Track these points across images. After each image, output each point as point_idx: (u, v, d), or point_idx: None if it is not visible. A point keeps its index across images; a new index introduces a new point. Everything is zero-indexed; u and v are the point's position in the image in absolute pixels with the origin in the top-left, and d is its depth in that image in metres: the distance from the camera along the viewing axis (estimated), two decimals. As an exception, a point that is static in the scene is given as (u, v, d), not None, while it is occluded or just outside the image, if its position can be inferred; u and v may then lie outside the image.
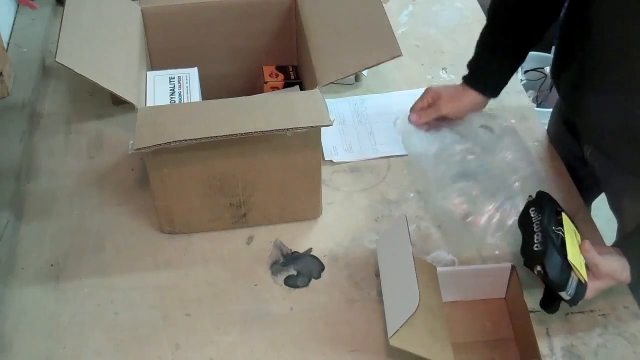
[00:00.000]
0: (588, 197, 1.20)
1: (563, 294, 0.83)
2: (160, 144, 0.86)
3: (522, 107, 1.24)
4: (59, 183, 1.10)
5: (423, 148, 1.09)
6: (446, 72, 1.33)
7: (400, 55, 0.97)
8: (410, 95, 1.27)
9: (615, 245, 0.91)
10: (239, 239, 1.02)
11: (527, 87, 2.09)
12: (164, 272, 0.98)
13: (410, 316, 0.80)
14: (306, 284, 0.96)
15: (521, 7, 1.04)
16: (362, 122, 1.22)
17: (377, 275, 0.96)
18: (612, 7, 0.89)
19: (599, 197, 1.21)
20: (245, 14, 1.17)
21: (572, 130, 1.12)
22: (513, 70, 1.11)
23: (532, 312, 0.89)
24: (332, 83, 0.97)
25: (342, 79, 0.99)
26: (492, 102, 1.25)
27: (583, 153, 1.11)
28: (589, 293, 0.84)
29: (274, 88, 1.20)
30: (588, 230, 1.00)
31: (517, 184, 1.02)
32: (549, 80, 2.12)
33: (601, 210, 1.24)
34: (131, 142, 0.87)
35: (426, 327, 0.85)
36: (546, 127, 1.22)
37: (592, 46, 0.95)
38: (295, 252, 1.00)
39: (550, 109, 1.27)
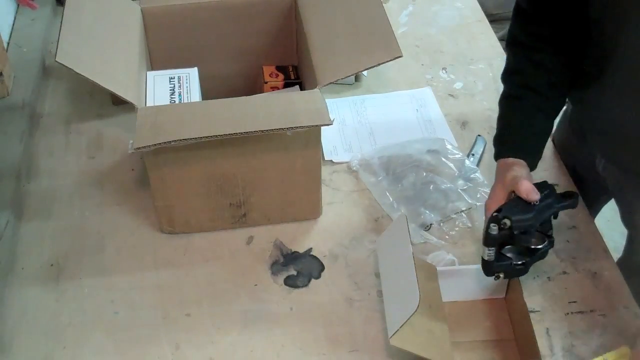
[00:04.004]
0: (595, 207, 1.18)
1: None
2: (160, 144, 0.86)
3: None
4: (59, 183, 1.10)
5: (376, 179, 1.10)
6: (446, 72, 1.33)
7: (400, 55, 0.97)
8: (410, 95, 1.27)
9: (624, 257, 0.89)
10: (239, 239, 1.02)
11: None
12: (164, 272, 0.98)
13: (410, 316, 0.80)
14: (306, 284, 0.96)
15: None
16: (362, 122, 1.22)
17: (377, 275, 0.96)
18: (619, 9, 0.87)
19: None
20: (245, 14, 1.17)
21: (582, 140, 1.08)
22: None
23: (532, 312, 0.89)
24: (332, 83, 0.97)
25: (342, 79, 0.99)
26: (491, 103, 1.25)
27: (594, 163, 1.08)
28: None
29: (274, 88, 1.20)
30: (593, 244, 0.99)
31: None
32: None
33: (602, 211, 1.24)
34: (131, 141, 0.87)
35: (426, 327, 0.85)
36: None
37: (599, 50, 0.93)
38: (295, 252, 1.00)
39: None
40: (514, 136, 0.97)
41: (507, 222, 0.85)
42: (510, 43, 1.00)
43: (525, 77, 0.97)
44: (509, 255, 0.89)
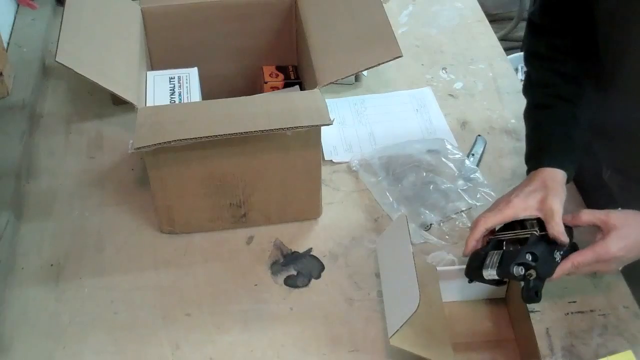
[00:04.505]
0: None
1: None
2: (160, 144, 0.86)
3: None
4: (59, 183, 1.10)
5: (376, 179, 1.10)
6: (446, 72, 1.33)
7: (400, 55, 0.97)
8: (410, 95, 1.27)
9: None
10: (239, 239, 1.02)
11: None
12: (164, 272, 0.98)
13: (410, 316, 0.80)
14: (306, 284, 0.96)
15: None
16: (362, 122, 1.22)
17: (377, 275, 0.96)
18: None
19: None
20: (245, 14, 1.17)
21: (588, 149, 1.05)
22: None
23: (532, 312, 0.89)
24: (332, 83, 0.97)
25: (342, 79, 0.99)
26: (491, 103, 1.26)
27: (600, 172, 1.07)
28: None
29: (274, 88, 1.20)
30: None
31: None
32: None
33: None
34: (131, 141, 0.87)
35: (426, 327, 0.85)
36: None
37: (605, 57, 0.92)
38: (295, 252, 1.00)
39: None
40: (557, 145, 0.92)
41: (533, 274, 0.80)
42: (531, 57, 0.99)
43: (555, 88, 0.94)
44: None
